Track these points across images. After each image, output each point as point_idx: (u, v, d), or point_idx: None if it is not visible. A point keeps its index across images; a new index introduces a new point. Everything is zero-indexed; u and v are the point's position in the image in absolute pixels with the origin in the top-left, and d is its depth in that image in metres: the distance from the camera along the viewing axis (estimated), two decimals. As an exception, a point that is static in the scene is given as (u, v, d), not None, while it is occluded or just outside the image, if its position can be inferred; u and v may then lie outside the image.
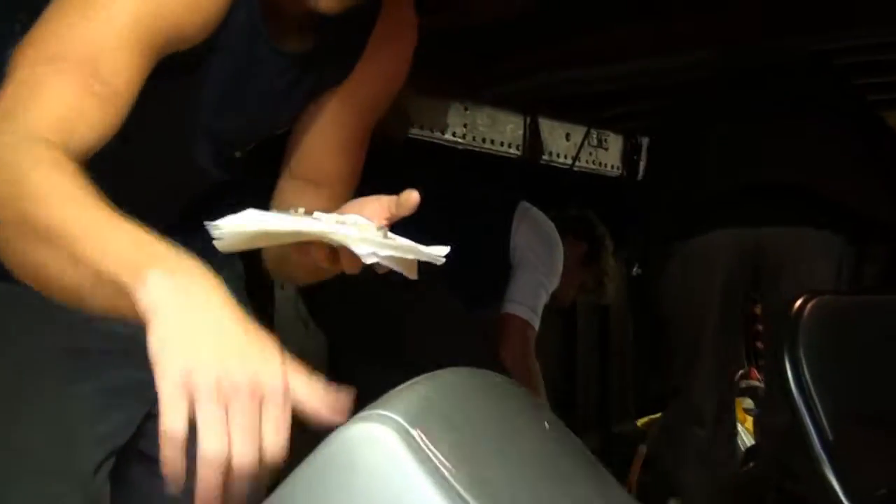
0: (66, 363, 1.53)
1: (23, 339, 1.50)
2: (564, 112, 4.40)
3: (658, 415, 5.44)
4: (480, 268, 3.12)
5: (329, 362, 3.98)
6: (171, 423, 0.83)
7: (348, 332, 3.23)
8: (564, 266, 3.39)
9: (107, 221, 1.00)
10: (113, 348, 1.51)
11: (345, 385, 0.96)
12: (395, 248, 1.11)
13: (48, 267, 1.04)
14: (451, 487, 0.73)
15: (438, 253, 1.12)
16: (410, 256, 1.13)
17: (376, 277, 1.20)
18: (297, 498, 0.78)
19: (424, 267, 1.17)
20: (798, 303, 1.45)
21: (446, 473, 0.74)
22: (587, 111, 4.45)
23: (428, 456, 0.73)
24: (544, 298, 3.30)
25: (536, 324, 3.27)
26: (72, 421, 1.52)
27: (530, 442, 0.90)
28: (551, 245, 3.32)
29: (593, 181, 4.77)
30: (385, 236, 1.12)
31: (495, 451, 0.82)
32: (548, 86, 4.01)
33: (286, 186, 1.61)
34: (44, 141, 1.09)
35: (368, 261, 1.11)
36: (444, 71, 3.70)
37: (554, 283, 3.33)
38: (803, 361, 1.36)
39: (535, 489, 0.83)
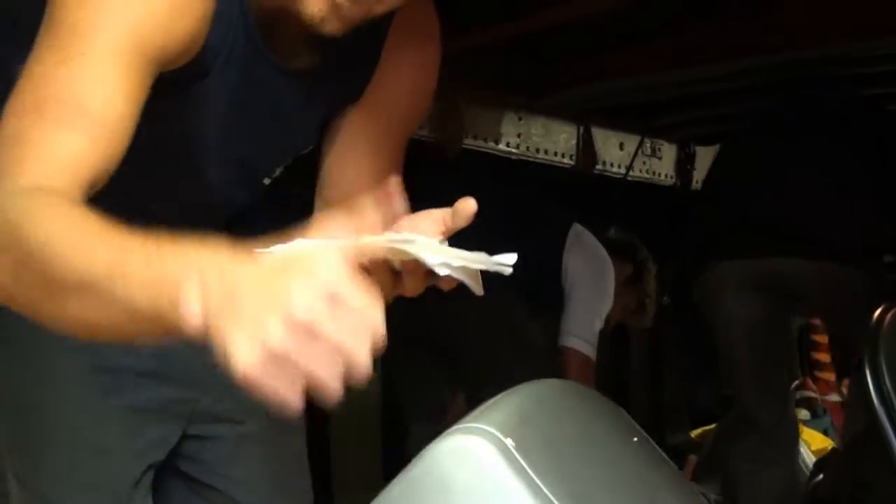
0: (96, 381, 1.55)
1: (52, 356, 1.52)
2: (618, 121, 4.37)
3: (711, 426, 5.43)
4: (532, 282, 3.13)
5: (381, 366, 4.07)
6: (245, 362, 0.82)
7: (403, 327, 3.27)
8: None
9: (122, 255, 0.98)
10: (141, 367, 1.56)
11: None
12: (465, 258, 1.05)
13: (86, 317, 1.03)
14: (549, 501, 0.73)
15: (507, 261, 1.07)
16: (481, 266, 1.07)
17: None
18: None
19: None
20: (878, 313, 1.42)
21: (543, 487, 0.73)
22: (640, 120, 4.43)
23: (525, 469, 0.73)
24: (599, 326, 3.36)
25: (594, 355, 3.33)
26: (107, 437, 1.56)
27: (621, 456, 0.89)
28: (604, 270, 3.38)
29: (645, 191, 4.74)
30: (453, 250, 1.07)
31: (588, 464, 0.81)
32: (601, 95, 3.99)
33: (319, 213, 1.52)
34: (39, 191, 1.06)
35: (441, 272, 1.03)
36: (499, 81, 3.71)
37: (607, 307, 3.38)
38: (884, 370, 1.34)
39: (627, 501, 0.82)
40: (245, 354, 0.81)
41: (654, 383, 5.77)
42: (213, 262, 0.92)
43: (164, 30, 1.22)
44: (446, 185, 1.92)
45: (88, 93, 1.14)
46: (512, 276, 1.68)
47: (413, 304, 1.16)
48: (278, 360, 0.81)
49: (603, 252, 3.38)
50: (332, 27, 1.31)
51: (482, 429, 0.77)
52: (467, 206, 1.10)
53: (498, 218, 3.16)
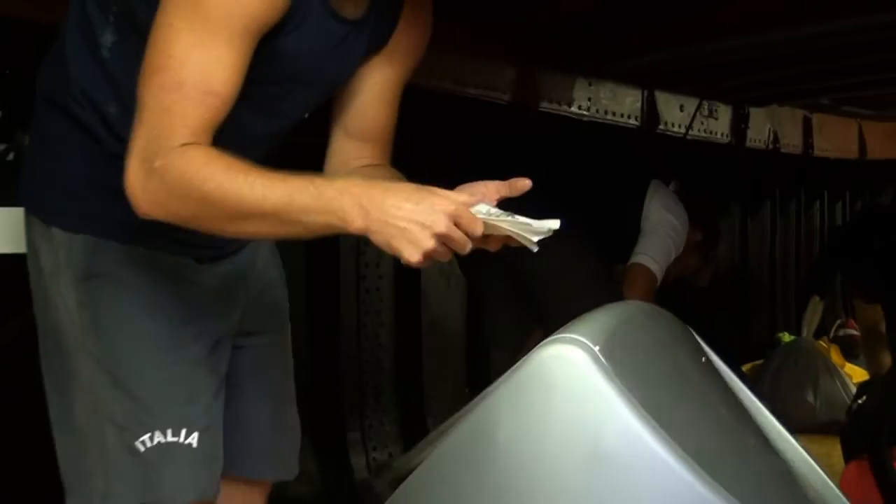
0: (178, 311, 1.62)
1: (144, 291, 1.59)
2: (679, 85, 4.33)
3: (760, 361, 5.42)
4: (616, 229, 3.27)
5: (466, 306, 4.12)
6: (413, 259, 1.24)
7: (489, 278, 3.38)
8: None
9: (285, 186, 1.28)
10: (210, 302, 1.69)
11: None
12: (525, 224, 1.24)
13: (264, 231, 1.37)
14: (632, 401, 0.75)
15: (552, 226, 1.22)
16: (521, 231, 1.23)
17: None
18: (502, 407, 0.82)
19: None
20: None
21: (624, 386, 0.76)
22: (699, 84, 4.37)
23: (612, 373, 0.75)
24: (670, 259, 3.32)
25: (660, 276, 3.27)
26: (194, 355, 1.62)
27: (689, 369, 0.91)
28: (681, 219, 3.35)
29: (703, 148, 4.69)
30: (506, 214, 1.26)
31: (661, 372, 0.84)
32: (663, 61, 3.94)
33: (345, 146, 1.69)
34: (191, 148, 1.29)
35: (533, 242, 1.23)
36: (571, 49, 3.70)
37: (678, 247, 3.36)
38: None
39: (710, 416, 0.84)
40: (408, 252, 1.23)
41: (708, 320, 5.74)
42: (358, 188, 1.27)
43: (269, 8, 1.36)
44: (539, 149, 1.99)
45: (215, 75, 1.33)
46: (593, 226, 1.77)
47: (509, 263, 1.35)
48: (426, 254, 1.22)
49: (680, 206, 3.38)
50: None
51: (575, 338, 0.82)
52: (520, 182, 1.32)
53: (584, 179, 3.19)
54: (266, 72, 1.43)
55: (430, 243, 1.22)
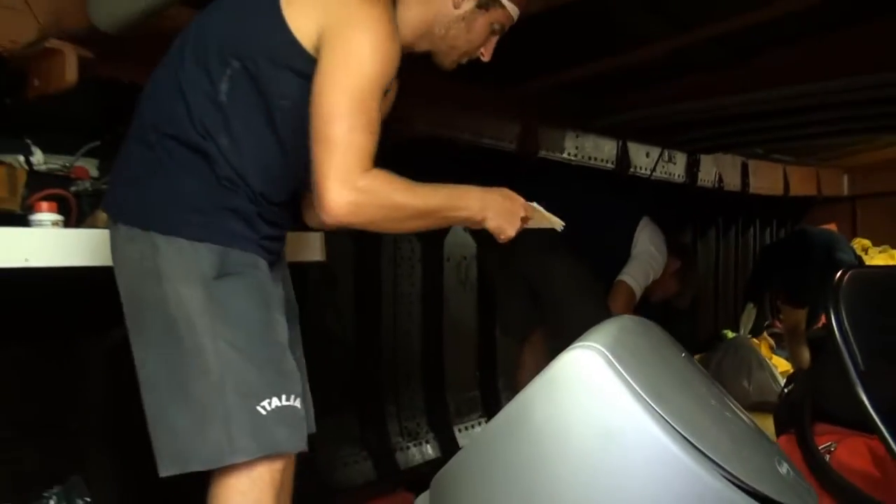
0: (276, 302, 1.63)
1: (260, 289, 1.57)
2: (645, 137, 4.34)
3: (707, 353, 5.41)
4: (611, 252, 3.24)
5: (478, 307, 4.11)
6: (512, 234, 1.64)
7: (502, 279, 3.36)
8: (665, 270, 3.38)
9: (437, 192, 1.54)
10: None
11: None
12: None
13: (420, 226, 1.56)
14: (640, 395, 0.76)
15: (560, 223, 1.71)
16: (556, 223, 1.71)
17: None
18: (537, 396, 0.82)
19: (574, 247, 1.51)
20: (838, 275, 1.40)
21: (635, 385, 0.77)
22: (661, 136, 4.38)
23: (622, 373, 0.77)
24: (648, 281, 3.28)
25: (638, 293, 3.24)
26: (282, 332, 1.61)
27: (677, 365, 0.92)
28: (661, 250, 3.30)
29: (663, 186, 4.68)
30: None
31: (661, 369, 0.85)
32: (633, 120, 3.96)
33: None
34: (378, 171, 1.45)
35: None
36: (562, 109, 3.72)
37: (656, 273, 3.31)
38: (843, 314, 1.32)
39: (695, 398, 0.85)
40: (511, 230, 1.62)
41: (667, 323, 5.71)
42: (475, 191, 1.59)
43: (392, 76, 1.53)
44: (550, 186, 2.04)
45: (376, 120, 1.46)
46: (596, 247, 1.98)
47: (517, 254, 1.44)
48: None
49: (661, 240, 3.33)
50: (446, 68, 1.75)
51: (591, 345, 0.82)
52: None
53: (596, 213, 3.19)
54: None
55: (518, 224, 1.62)
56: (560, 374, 0.80)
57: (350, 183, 1.40)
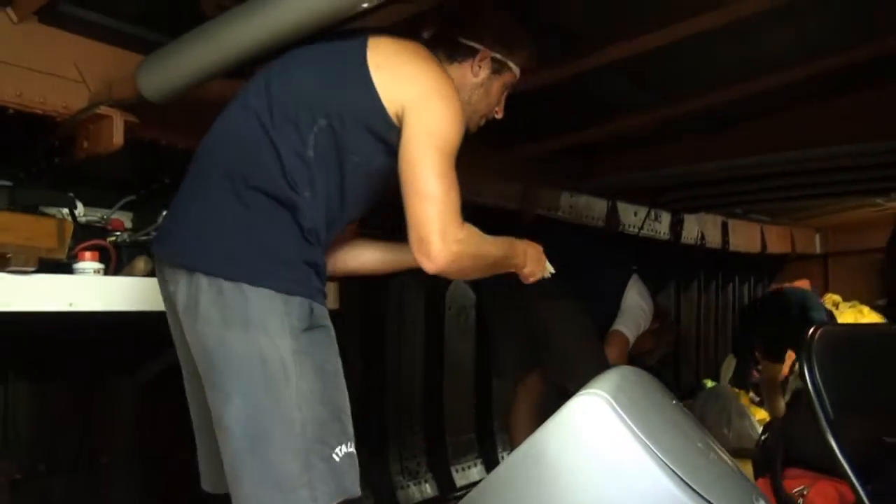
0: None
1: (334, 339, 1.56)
2: (633, 197, 4.45)
3: (689, 401, 5.42)
4: (601, 303, 3.26)
5: (476, 353, 4.15)
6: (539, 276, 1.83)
7: (500, 321, 3.36)
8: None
9: (502, 243, 1.68)
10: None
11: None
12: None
13: (487, 273, 1.65)
14: (640, 437, 0.83)
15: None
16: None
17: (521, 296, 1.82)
18: (548, 441, 0.87)
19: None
20: (810, 331, 1.46)
21: (636, 429, 0.83)
22: (648, 197, 4.49)
23: (624, 418, 0.83)
24: (639, 331, 3.33)
25: (631, 341, 3.28)
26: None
27: (672, 411, 0.98)
28: (649, 306, 3.36)
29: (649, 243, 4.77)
30: None
31: (658, 414, 0.91)
32: (622, 182, 4.07)
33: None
34: (468, 226, 1.52)
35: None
36: (558, 172, 3.82)
37: (644, 326, 3.35)
38: (815, 368, 1.37)
39: (685, 440, 0.91)
40: (541, 274, 1.81)
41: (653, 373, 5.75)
42: (525, 245, 1.79)
43: None
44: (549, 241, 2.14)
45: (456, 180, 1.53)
46: (589, 297, 2.10)
47: (520, 301, 1.51)
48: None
49: (648, 296, 3.40)
50: (473, 129, 1.81)
51: (598, 392, 0.88)
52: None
53: (592, 272, 3.24)
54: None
55: (545, 269, 1.82)
56: (570, 418, 0.86)
57: (452, 235, 1.47)
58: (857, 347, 1.46)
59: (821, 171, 3.75)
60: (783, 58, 2.77)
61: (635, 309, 3.31)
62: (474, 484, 3.99)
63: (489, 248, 1.62)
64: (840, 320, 5.80)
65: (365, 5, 1.56)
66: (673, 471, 0.81)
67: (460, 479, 3.96)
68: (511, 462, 0.86)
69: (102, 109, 1.96)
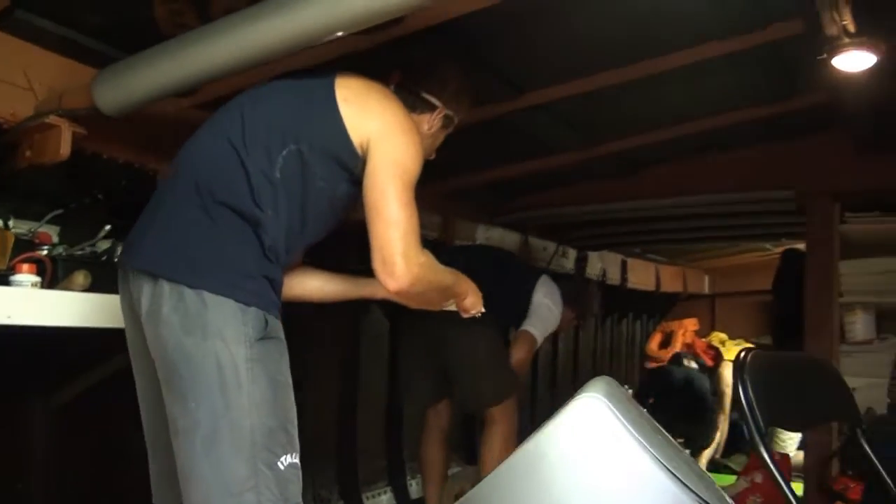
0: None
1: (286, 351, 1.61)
2: (544, 234, 4.63)
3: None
4: (513, 306, 3.32)
5: (389, 380, 4.17)
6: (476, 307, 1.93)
7: (416, 355, 3.39)
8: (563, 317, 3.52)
9: (451, 272, 1.78)
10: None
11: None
12: None
13: (433, 302, 1.78)
14: (634, 435, 0.92)
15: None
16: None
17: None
18: (553, 435, 0.94)
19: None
20: (742, 354, 1.58)
21: (630, 427, 0.93)
22: (556, 234, 4.69)
23: (619, 417, 0.92)
24: (547, 332, 3.42)
25: (539, 340, 3.37)
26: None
27: (644, 417, 1.08)
28: (556, 304, 3.41)
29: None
30: None
31: (639, 418, 1.00)
32: (533, 218, 4.27)
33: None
34: (427, 252, 1.61)
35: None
36: (476, 206, 3.97)
37: (556, 325, 3.45)
38: (748, 385, 1.49)
39: (664, 441, 1.00)
40: (480, 308, 1.88)
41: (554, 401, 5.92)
42: (468, 282, 1.87)
43: None
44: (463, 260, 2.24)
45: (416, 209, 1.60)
46: (497, 299, 2.11)
47: (427, 334, 1.56)
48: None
49: (557, 296, 3.44)
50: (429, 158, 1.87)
51: (593, 395, 0.96)
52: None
53: (500, 272, 3.33)
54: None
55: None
56: (571, 419, 0.94)
57: (414, 258, 1.55)
58: (780, 370, 1.62)
59: (717, 216, 4.05)
60: (690, 110, 3.03)
61: (543, 308, 3.36)
62: (385, 512, 4.09)
63: (443, 275, 1.74)
64: (727, 356, 6.19)
65: (339, 34, 1.63)
66: (664, 465, 0.90)
67: (371, 508, 3.97)
68: (514, 462, 0.92)
69: (51, 119, 1.94)
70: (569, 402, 0.96)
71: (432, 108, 1.86)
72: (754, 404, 1.47)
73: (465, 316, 1.91)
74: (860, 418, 1.79)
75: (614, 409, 0.93)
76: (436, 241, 3.74)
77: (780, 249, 5.79)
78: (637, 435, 0.92)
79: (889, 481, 1.73)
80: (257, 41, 1.70)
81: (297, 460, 1.54)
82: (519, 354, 3.26)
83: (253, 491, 1.46)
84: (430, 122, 1.86)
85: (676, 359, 5.79)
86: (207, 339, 1.49)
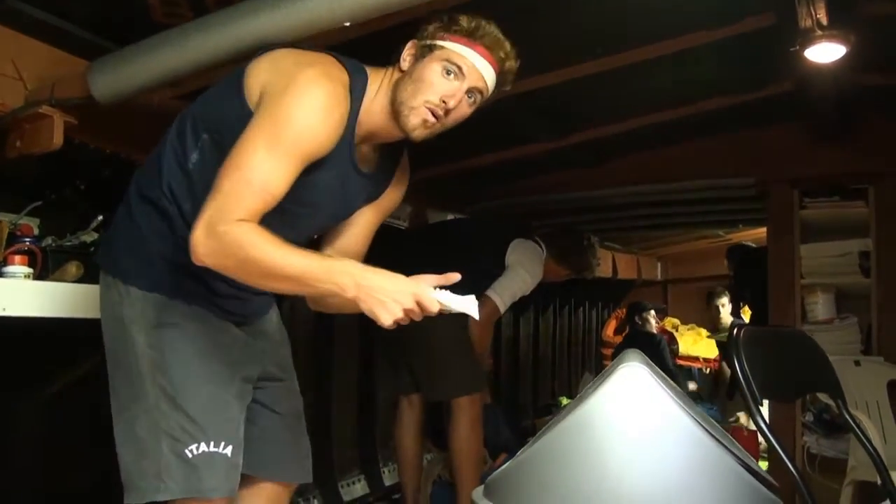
0: (227, 357, 1.66)
1: (202, 339, 1.63)
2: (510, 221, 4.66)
3: (548, 417, 5.70)
4: (486, 269, 3.21)
5: (360, 371, 4.19)
6: (386, 323, 1.38)
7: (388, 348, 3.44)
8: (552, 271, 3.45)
9: (312, 264, 1.39)
10: (245, 355, 1.71)
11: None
12: (458, 303, 1.43)
13: (286, 289, 1.46)
14: (675, 400, 0.97)
15: (474, 310, 1.45)
16: (465, 309, 1.44)
17: None
18: (599, 401, 0.98)
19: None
20: (735, 330, 1.66)
21: (669, 392, 0.98)
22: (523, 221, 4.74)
23: (660, 384, 0.98)
24: (515, 298, 3.27)
25: (503, 308, 3.25)
26: (231, 389, 1.65)
27: (673, 385, 1.13)
28: (532, 264, 3.31)
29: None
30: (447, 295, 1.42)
31: (671, 385, 1.05)
32: (500, 206, 4.32)
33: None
34: (245, 223, 1.36)
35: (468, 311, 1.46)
36: (446, 196, 4.01)
37: (532, 285, 3.32)
38: (743, 359, 1.56)
39: (694, 407, 1.05)
40: (384, 318, 1.37)
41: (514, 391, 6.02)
42: (355, 270, 1.39)
43: (322, 146, 1.48)
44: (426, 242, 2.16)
45: (274, 183, 1.41)
46: (472, 284, 1.73)
47: (395, 331, 1.45)
48: (395, 320, 1.37)
49: (534, 260, 3.32)
50: (419, 135, 1.56)
51: (633, 363, 1.01)
52: (452, 276, 1.46)
53: (470, 235, 3.31)
54: (298, 196, 1.48)
55: (398, 314, 1.37)
56: (616, 383, 0.99)
57: (213, 227, 1.35)
58: (770, 343, 1.70)
59: (679, 203, 4.18)
60: (660, 100, 3.12)
61: (511, 273, 3.22)
62: (361, 499, 4.11)
63: (268, 257, 1.38)
64: (680, 342, 6.37)
65: (347, 24, 1.65)
66: (704, 427, 0.96)
67: (346, 495, 3.99)
68: (559, 431, 0.96)
69: (44, 109, 1.91)
70: (610, 371, 1.01)
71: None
72: (749, 376, 1.54)
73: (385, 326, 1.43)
74: (841, 390, 1.89)
75: (655, 376, 0.99)
76: (406, 231, 3.78)
77: (732, 236, 6.01)
78: (676, 398, 0.97)
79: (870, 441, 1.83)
80: (259, 30, 1.71)
81: (218, 449, 1.56)
82: (478, 322, 3.14)
83: (157, 479, 1.53)
84: (401, 63, 1.61)
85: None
86: (123, 328, 1.58)
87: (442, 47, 1.55)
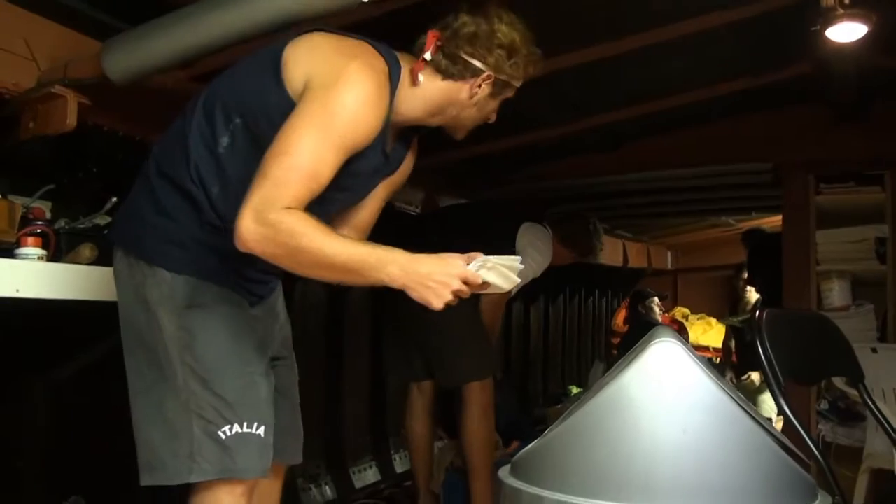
0: (252, 335, 1.65)
1: (230, 319, 1.62)
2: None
3: (559, 405, 5.67)
4: (496, 252, 3.15)
5: (372, 359, 4.18)
6: (438, 307, 1.42)
7: (398, 336, 3.38)
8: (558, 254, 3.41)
9: (355, 250, 1.41)
10: (260, 334, 1.70)
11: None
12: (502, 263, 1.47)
13: (334, 278, 1.45)
14: (708, 374, 0.96)
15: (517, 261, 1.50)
16: (507, 265, 1.47)
17: None
18: (636, 374, 0.97)
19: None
20: (757, 313, 1.63)
21: (702, 367, 0.97)
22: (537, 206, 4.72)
23: (693, 359, 0.96)
24: (528, 278, 3.17)
25: (513, 291, 3.07)
26: (257, 367, 1.63)
27: (704, 360, 1.11)
28: (543, 248, 3.26)
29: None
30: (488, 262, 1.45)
31: (702, 361, 1.04)
32: (511, 192, 4.29)
33: (342, 230, 1.70)
34: (294, 211, 1.37)
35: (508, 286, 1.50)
36: (459, 181, 3.99)
37: (543, 267, 3.28)
38: (766, 341, 1.55)
39: (723, 380, 1.04)
40: (435, 303, 1.41)
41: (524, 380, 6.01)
42: (402, 259, 1.41)
43: (366, 139, 1.51)
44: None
45: (323, 171, 1.43)
46: (477, 243, 1.72)
47: (408, 312, 1.48)
48: (445, 303, 1.40)
49: (543, 241, 3.27)
50: (460, 137, 1.73)
51: (668, 340, 1.00)
52: (475, 255, 1.47)
53: (483, 217, 3.27)
54: (336, 182, 1.49)
55: (448, 297, 1.42)
56: (652, 357, 0.98)
57: (262, 214, 1.35)
58: (793, 326, 1.68)
59: (692, 189, 4.15)
60: (679, 83, 3.09)
61: (526, 252, 3.14)
62: (372, 486, 4.11)
63: (316, 245, 1.39)
64: (690, 331, 6.35)
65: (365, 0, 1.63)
66: (736, 401, 0.95)
67: (358, 482, 3.98)
68: (594, 406, 0.95)
69: (57, 89, 1.90)
70: (642, 348, 0.99)
71: (475, 72, 1.63)
72: (773, 359, 1.52)
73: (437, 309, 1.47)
74: (862, 373, 1.87)
75: (688, 352, 0.97)
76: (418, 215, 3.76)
77: (743, 224, 5.96)
78: (710, 375, 0.96)
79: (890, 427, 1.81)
80: (274, 8, 1.69)
81: (251, 430, 1.55)
82: (488, 304, 3.15)
83: (189, 460, 1.52)
84: (473, 89, 1.64)
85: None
86: (148, 309, 1.56)
87: (511, 87, 1.69)
